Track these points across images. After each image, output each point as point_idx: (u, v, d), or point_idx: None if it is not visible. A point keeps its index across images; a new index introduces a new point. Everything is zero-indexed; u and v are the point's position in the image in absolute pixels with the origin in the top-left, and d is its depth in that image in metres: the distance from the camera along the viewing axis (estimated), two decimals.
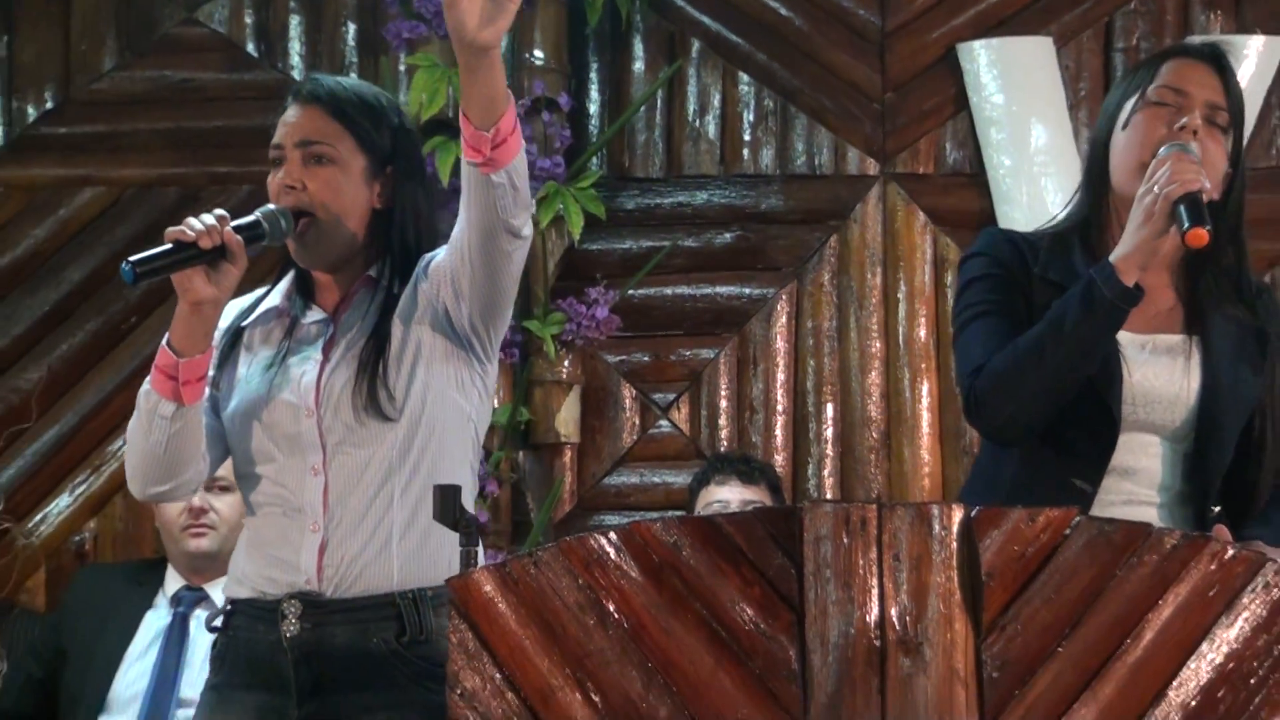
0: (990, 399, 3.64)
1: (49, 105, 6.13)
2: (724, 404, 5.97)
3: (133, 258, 3.42)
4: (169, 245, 3.46)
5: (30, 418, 5.90)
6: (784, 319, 5.97)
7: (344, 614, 3.61)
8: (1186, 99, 3.63)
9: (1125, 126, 3.67)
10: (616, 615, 3.24)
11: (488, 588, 3.30)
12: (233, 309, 3.73)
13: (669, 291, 5.99)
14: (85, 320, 6.04)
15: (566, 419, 5.87)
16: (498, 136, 3.41)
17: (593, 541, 3.27)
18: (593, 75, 6.06)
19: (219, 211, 3.49)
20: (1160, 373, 3.66)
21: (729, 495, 5.19)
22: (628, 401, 5.99)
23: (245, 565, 3.69)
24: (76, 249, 6.05)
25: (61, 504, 6.01)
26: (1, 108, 6.13)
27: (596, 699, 3.23)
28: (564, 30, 5.88)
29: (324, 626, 3.60)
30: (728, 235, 5.99)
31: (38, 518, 5.97)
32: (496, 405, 5.65)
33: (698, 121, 6.05)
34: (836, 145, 5.99)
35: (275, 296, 3.73)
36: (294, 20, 6.10)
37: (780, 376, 5.96)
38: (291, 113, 3.66)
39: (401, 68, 5.85)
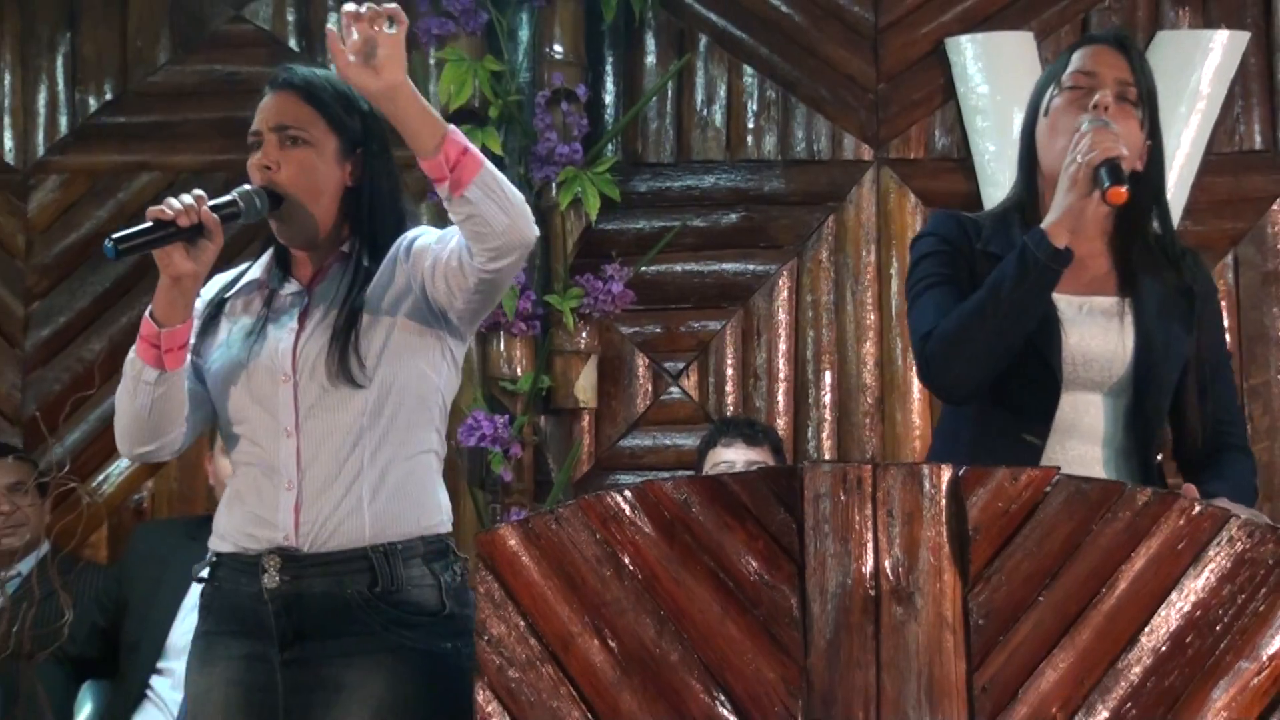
0: (940, 360, 3.65)
1: (109, 97, 6.14)
2: (730, 372, 5.98)
3: (115, 235, 3.42)
4: (150, 223, 3.44)
5: (94, 385, 5.88)
6: (785, 293, 5.98)
7: (320, 567, 3.60)
8: (1097, 80, 3.67)
9: (1047, 113, 3.72)
10: (631, 567, 3.26)
11: (512, 542, 3.33)
12: (216, 282, 3.74)
13: (679, 268, 5.99)
14: (143, 295, 6.00)
15: (584, 386, 5.87)
16: (449, 159, 3.38)
17: (609, 499, 3.29)
18: (608, 68, 6.06)
19: (197, 192, 3.49)
20: (1097, 334, 3.68)
21: (734, 456, 5.18)
22: (641, 370, 6.00)
23: (226, 521, 3.69)
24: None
25: (121, 465, 6.05)
26: (66, 99, 6.14)
27: (613, 644, 3.26)
28: (581, 27, 5.87)
29: (302, 579, 3.59)
30: (733, 216, 6.00)
31: (100, 478, 6.03)
32: (520, 373, 5.68)
33: (705, 111, 6.05)
34: (833, 132, 5.99)
35: (256, 270, 3.73)
36: (331, 18, 6.07)
37: (782, 346, 5.97)
38: (268, 99, 3.64)
39: (431, 61, 5.83)
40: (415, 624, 3.61)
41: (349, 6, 3.29)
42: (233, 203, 3.51)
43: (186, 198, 3.46)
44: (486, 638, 3.33)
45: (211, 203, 3.48)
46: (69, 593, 4.35)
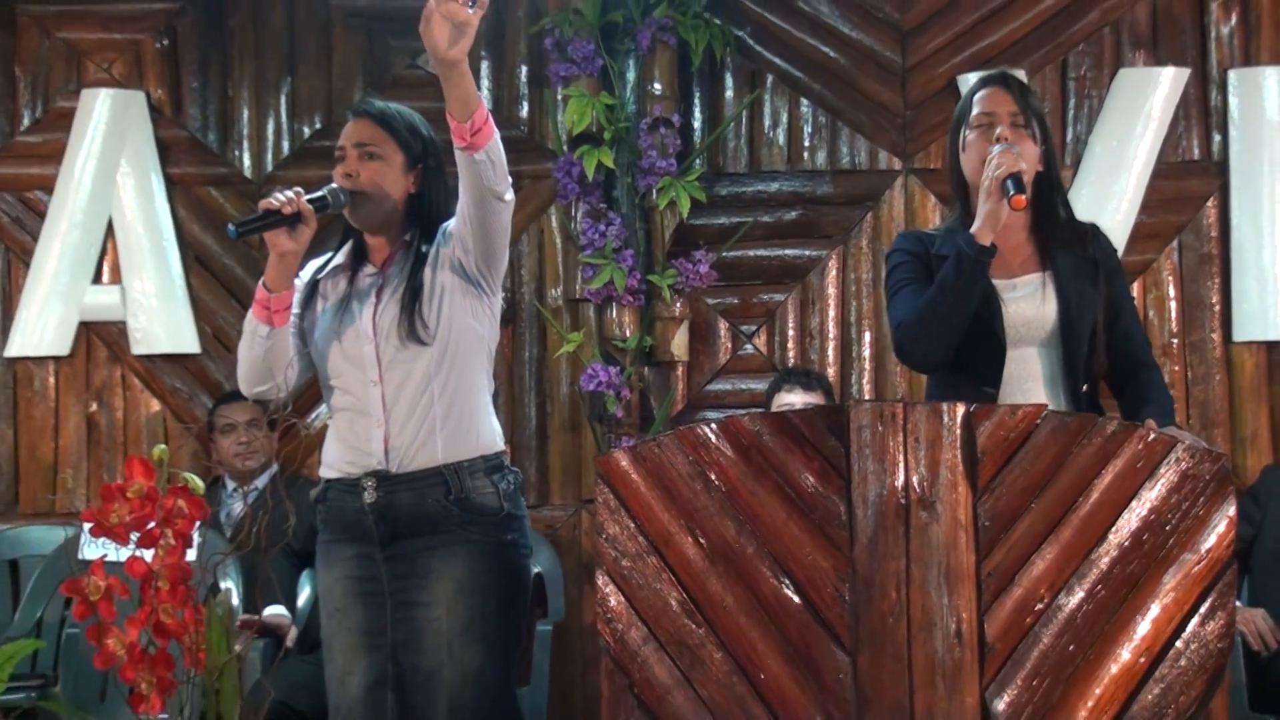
0: (910, 341, 3.76)
1: (318, 126, 6.14)
2: (791, 332, 5.96)
3: (236, 220, 3.58)
4: (262, 212, 3.57)
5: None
6: (834, 272, 5.96)
7: (406, 484, 3.68)
8: (994, 116, 3.77)
9: (964, 149, 3.82)
10: (716, 482, 3.28)
11: (624, 463, 3.35)
12: (310, 267, 3.85)
13: (751, 254, 5.97)
14: None
15: (679, 344, 5.85)
16: (473, 126, 3.48)
17: (699, 430, 3.32)
18: (695, 100, 6.02)
19: (296, 188, 3.61)
20: (1027, 303, 3.77)
21: (795, 399, 5.16)
22: (722, 331, 5.99)
23: (331, 454, 3.78)
24: (341, 225, 6.06)
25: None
26: (287, 128, 6.16)
27: (702, 541, 3.28)
28: (675, 68, 5.83)
29: (393, 494, 3.67)
30: (793, 213, 5.98)
31: (313, 415, 6.03)
32: (628, 334, 5.68)
33: (771, 132, 6.02)
34: (871, 149, 5.97)
35: (339, 257, 3.83)
36: (484, 65, 6.07)
37: (831, 313, 5.94)
38: (352, 124, 3.76)
39: (560, 96, 5.80)
40: (481, 522, 3.69)
41: None
42: (323, 197, 3.65)
43: (289, 192, 3.58)
44: (604, 535, 3.36)
45: (307, 196, 3.61)
46: (292, 501, 4.37)
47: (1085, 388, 3.77)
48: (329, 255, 3.87)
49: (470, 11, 3.39)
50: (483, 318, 3.76)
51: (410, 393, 3.67)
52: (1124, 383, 3.84)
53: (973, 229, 3.64)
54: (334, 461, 3.76)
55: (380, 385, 3.67)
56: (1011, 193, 3.58)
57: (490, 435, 3.77)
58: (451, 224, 3.73)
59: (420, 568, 3.66)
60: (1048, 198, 3.82)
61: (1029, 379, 3.75)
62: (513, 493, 3.76)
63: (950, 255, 3.67)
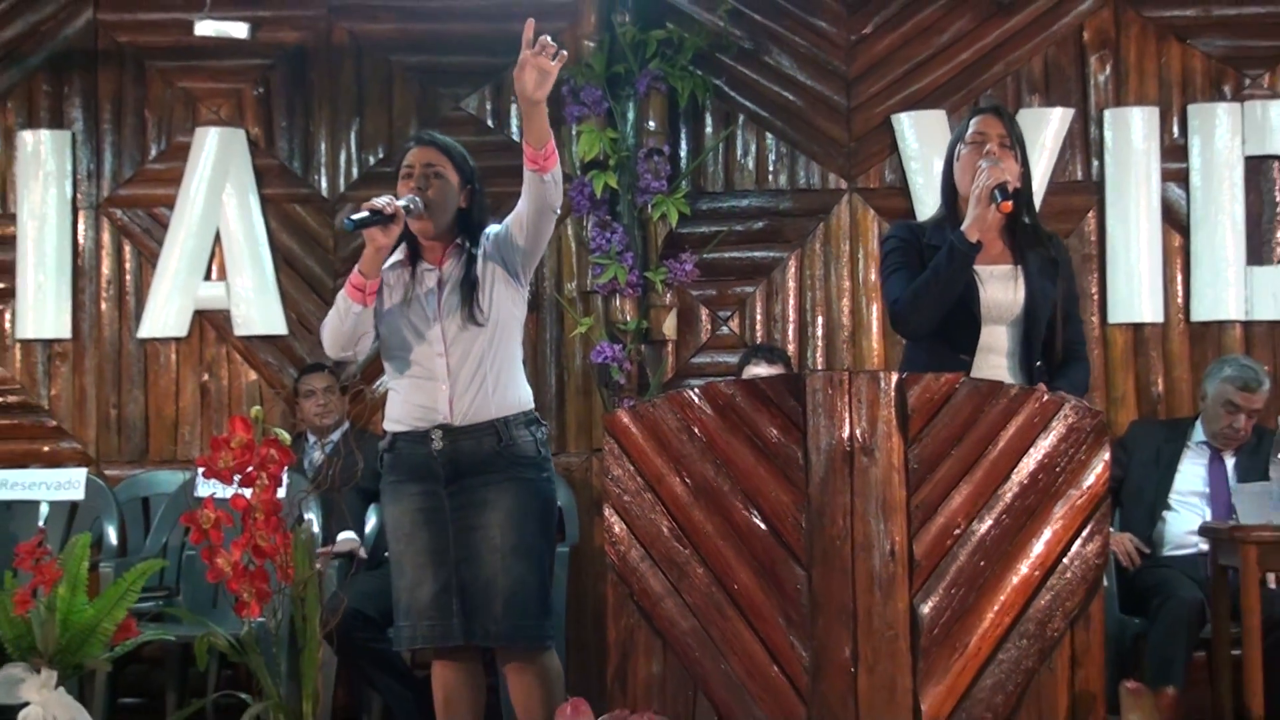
0: (905, 315, 3.71)
1: (380, 155, 6.08)
2: (759, 317, 5.91)
3: (351, 218, 3.57)
4: (367, 213, 3.56)
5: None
6: (793, 270, 5.90)
7: (466, 433, 3.67)
8: (986, 136, 3.74)
9: (958, 159, 3.78)
10: (698, 434, 3.27)
11: (626, 420, 3.35)
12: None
13: (726, 255, 5.90)
14: None
15: (669, 326, 5.81)
16: (545, 153, 3.57)
17: (685, 394, 3.31)
18: (682, 134, 5.95)
19: (388, 196, 3.62)
20: (1000, 289, 3.72)
21: (761, 370, 5.13)
22: (703, 316, 5.93)
23: (399, 412, 3.75)
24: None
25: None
26: (356, 158, 6.11)
27: (688, 480, 3.27)
28: (665, 109, 5.79)
29: (456, 442, 3.66)
30: (760, 223, 5.92)
31: (377, 383, 5.86)
32: (629, 319, 5.67)
33: (742, 159, 5.97)
34: (822, 172, 5.90)
35: (397, 255, 3.78)
36: (513, 107, 6.02)
37: (791, 301, 5.89)
38: (419, 149, 3.76)
39: (574, 131, 5.75)
40: (523, 464, 3.69)
41: (546, 39, 3.48)
42: (407, 205, 3.64)
43: (386, 198, 3.59)
44: (610, 476, 3.35)
45: (397, 202, 3.61)
46: (360, 451, 4.38)
47: (1039, 364, 3.74)
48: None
49: (552, 63, 3.50)
50: (519, 304, 3.78)
51: (469, 363, 3.67)
52: (1058, 366, 3.80)
53: (963, 227, 3.62)
54: (402, 418, 3.73)
55: (445, 357, 3.66)
56: (999, 200, 3.57)
57: (526, 395, 3.79)
58: (495, 229, 3.77)
59: (477, 500, 3.64)
60: (1022, 205, 3.80)
61: (995, 351, 3.72)
62: (544, 441, 3.77)
63: (943, 247, 3.64)
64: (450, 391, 3.66)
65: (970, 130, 3.76)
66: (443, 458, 3.66)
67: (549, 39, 3.51)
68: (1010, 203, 3.56)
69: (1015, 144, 3.74)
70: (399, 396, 3.75)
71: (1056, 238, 3.89)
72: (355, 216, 3.56)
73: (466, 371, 3.67)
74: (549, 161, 3.58)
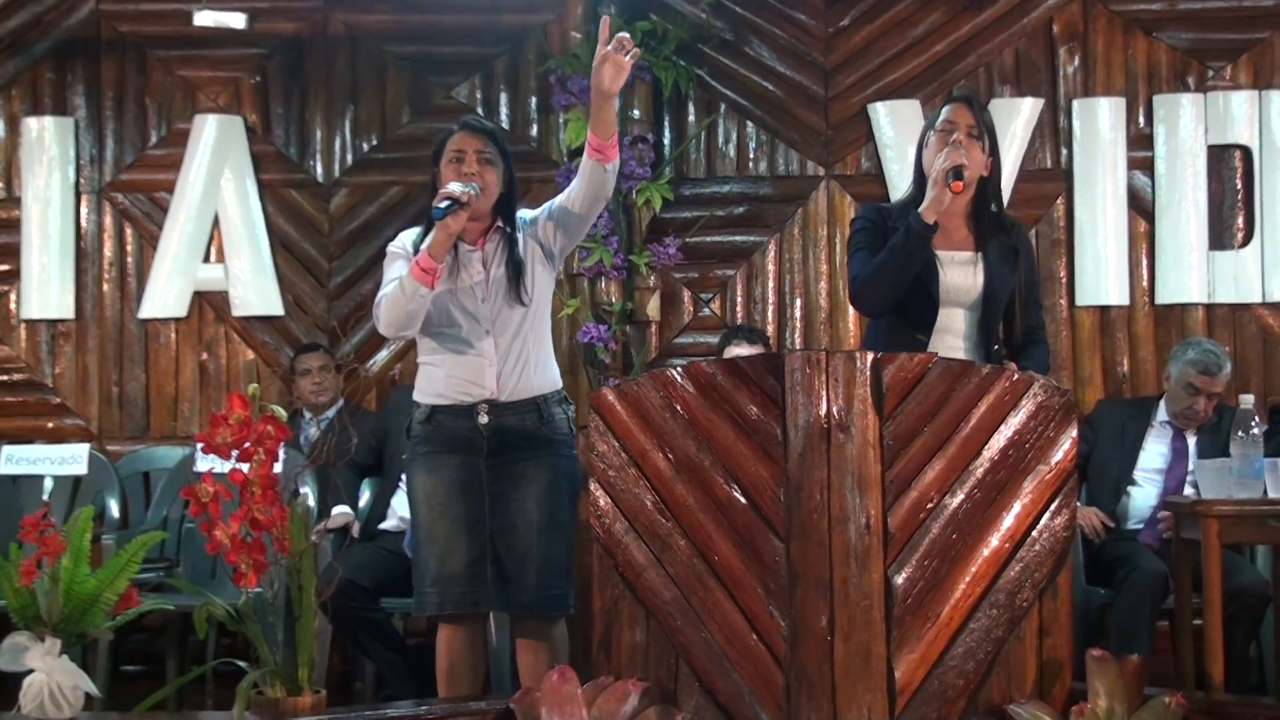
0: (861, 292, 3.71)
1: (374, 142, 6.08)
2: (739, 299, 5.92)
3: (438, 206, 3.52)
4: (448, 201, 3.52)
5: (368, 309, 5.91)
6: (772, 253, 5.91)
7: (510, 409, 3.65)
8: (955, 125, 3.71)
9: (927, 145, 3.76)
10: (681, 411, 3.26)
11: (611, 397, 3.33)
12: (407, 239, 3.77)
13: (708, 239, 5.91)
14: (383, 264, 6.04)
15: (652, 308, 5.81)
16: (610, 144, 3.57)
17: (668, 372, 3.29)
18: (666, 122, 5.96)
19: (457, 184, 3.58)
20: (960, 274, 3.71)
21: (742, 350, 5.12)
22: (686, 298, 5.94)
23: (441, 386, 3.69)
24: (389, 219, 6.03)
25: (383, 355, 6.03)
26: (350, 144, 6.10)
27: (670, 456, 3.26)
28: (650, 98, 5.79)
29: (500, 417, 3.64)
30: (741, 209, 5.93)
31: (371, 362, 6.01)
32: (614, 300, 5.66)
33: (724, 147, 5.98)
34: (801, 160, 5.92)
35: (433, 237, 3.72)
36: (503, 96, 6.05)
37: (770, 284, 5.90)
38: (468, 134, 3.71)
39: (561, 120, 5.77)
40: (558, 442, 3.67)
41: (623, 36, 3.53)
42: (468, 191, 3.58)
43: (459, 186, 3.56)
44: (595, 452, 3.34)
45: (467, 189, 3.58)
46: (355, 428, 4.36)
47: (997, 347, 3.74)
48: (418, 234, 3.77)
49: (626, 59, 3.52)
50: (552, 285, 3.81)
51: (516, 341, 3.66)
52: (1020, 349, 3.80)
53: (921, 208, 3.61)
54: (445, 391, 3.68)
55: (492, 334, 3.65)
56: (951, 180, 3.57)
57: (557, 374, 3.80)
58: (532, 213, 3.76)
59: (516, 473, 3.64)
60: (989, 196, 3.79)
61: (951, 333, 3.71)
62: (573, 419, 3.78)
63: (901, 228, 3.64)
64: (498, 369, 3.64)
65: (940, 119, 3.75)
66: (488, 432, 3.64)
67: (626, 36, 3.53)
68: (960, 183, 3.57)
69: (984, 133, 3.73)
70: (440, 371, 3.70)
71: (1019, 226, 3.88)
72: (441, 205, 3.53)
73: (513, 350, 3.66)
74: (612, 152, 3.59)
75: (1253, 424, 3.87)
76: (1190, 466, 4.81)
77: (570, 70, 5.70)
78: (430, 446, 3.69)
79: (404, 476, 3.91)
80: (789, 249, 5.89)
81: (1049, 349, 3.90)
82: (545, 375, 3.72)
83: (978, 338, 3.72)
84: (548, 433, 3.67)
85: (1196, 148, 5.73)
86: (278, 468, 3.22)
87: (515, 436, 3.65)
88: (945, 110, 3.76)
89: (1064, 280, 5.77)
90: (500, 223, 3.71)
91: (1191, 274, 5.72)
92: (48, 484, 5.19)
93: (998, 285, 3.71)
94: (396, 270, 3.67)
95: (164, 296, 6.03)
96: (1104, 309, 5.77)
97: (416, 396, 3.75)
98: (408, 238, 3.77)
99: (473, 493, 3.65)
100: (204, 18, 5.87)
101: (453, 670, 3.70)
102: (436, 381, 3.71)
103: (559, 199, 3.74)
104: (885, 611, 3.07)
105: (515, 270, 3.65)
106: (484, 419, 3.64)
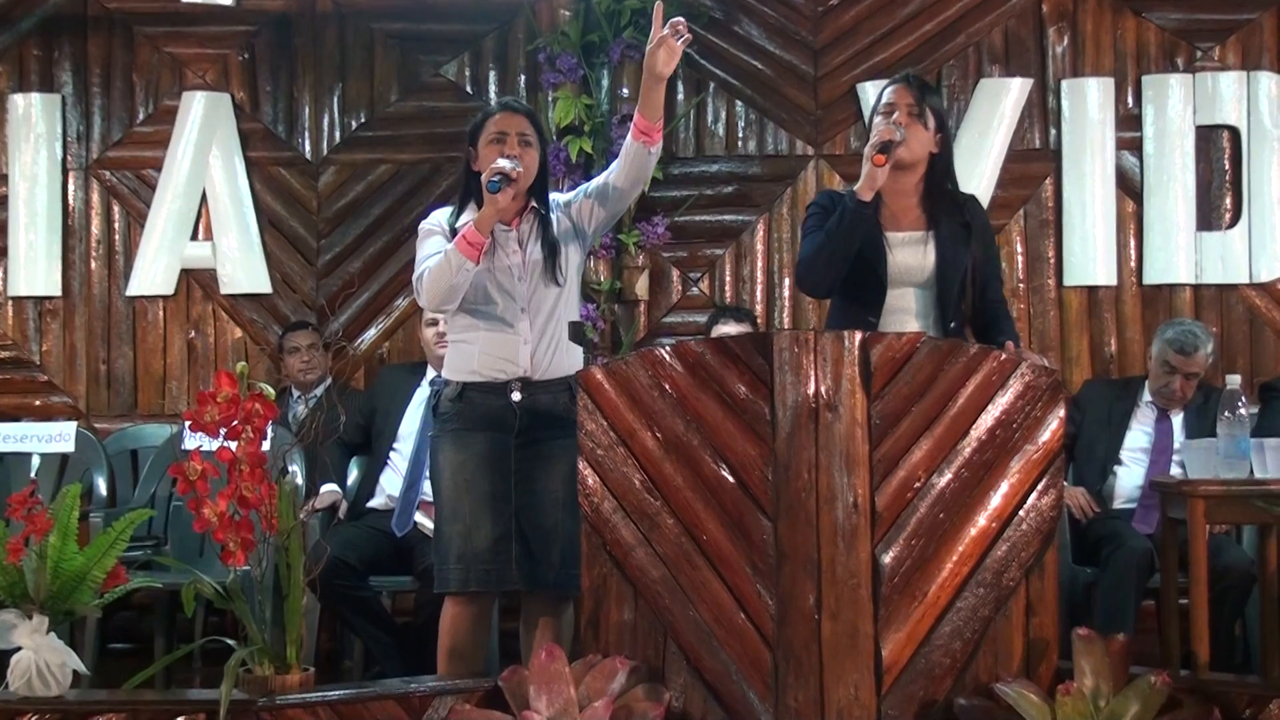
0: (803, 274, 3.74)
1: (362, 120, 6.05)
2: (728, 278, 5.91)
3: (493, 180, 3.52)
4: (499, 176, 3.53)
5: (355, 286, 5.92)
6: (761, 233, 5.90)
7: (543, 388, 3.66)
8: (894, 106, 3.71)
9: (871, 128, 3.76)
10: (669, 390, 3.25)
11: (600, 376, 3.33)
12: (441, 217, 3.77)
13: (697, 219, 5.90)
14: (381, 235, 6.03)
15: (641, 287, 5.80)
16: (658, 128, 3.62)
17: (657, 351, 3.29)
18: None
19: (506, 160, 3.58)
20: (910, 254, 3.72)
21: (730, 329, 5.12)
22: (675, 277, 5.93)
23: (474, 364, 3.67)
24: (378, 197, 6.03)
25: (371, 333, 6.01)
26: (339, 121, 6.07)
27: (659, 435, 3.26)
28: (639, 76, 5.66)
29: (534, 395, 3.64)
30: (729, 188, 5.92)
31: (359, 340, 5.99)
32: (602, 279, 5.66)
33: (713, 126, 5.96)
34: (790, 139, 5.90)
35: (467, 214, 3.73)
36: (492, 74, 6.03)
37: (759, 264, 5.89)
38: (509, 115, 3.71)
39: (550, 98, 5.74)
40: None
41: (679, 21, 3.55)
42: (519, 169, 3.60)
43: (508, 162, 3.56)
44: (584, 431, 3.34)
45: (514, 166, 3.58)
46: (343, 406, 4.36)
47: (954, 324, 3.73)
48: (451, 213, 3.78)
49: (679, 44, 3.54)
50: (581, 264, 3.83)
51: (551, 320, 3.68)
52: (983, 321, 3.79)
53: (856, 186, 3.62)
54: (480, 368, 3.68)
55: (528, 313, 3.65)
56: (875, 154, 3.58)
57: (581, 354, 3.81)
58: (575, 198, 3.78)
59: (545, 452, 3.63)
60: (940, 174, 3.78)
61: (904, 312, 3.70)
62: None
63: (838, 208, 3.65)
64: (533, 348, 3.64)
65: (882, 101, 3.76)
66: (520, 409, 3.64)
67: (681, 20, 3.56)
68: (883, 156, 3.57)
69: (926, 112, 3.73)
70: (473, 349, 3.69)
71: (974, 201, 3.86)
72: (495, 180, 3.53)
73: (548, 330, 3.67)
74: (658, 135, 3.63)
75: (1239, 404, 3.87)
76: (1177, 446, 4.82)
77: (559, 48, 5.68)
78: (460, 423, 3.68)
79: (402, 451, 3.87)
80: (778, 228, 5.89)
81: (1013, 320, 3.91)
82: (574, 355, 3.74)
83: (935, 315, 3.71)
84: (575, 410, 3.62)
85: (1185, 128, 5.73)
86: (265, 446, 3.22)
87: (546, 416, 3.65)
88: (886, 92, 3.77)
89: (1052, 260, 5.78)
90: (534, 203, 3.72)
91: (1179, 254, 5.72)
92: (35, 461, 5.18)
93: (950, 264, 3.70)
94: (432, 246, 3.68)
95: (152, 274, 6.01)
96: (1092, 289, 5.77)
97: (446, 374, 3.74)
98: (441, 216, 3.78)
99: (500, 470, 3.64)
100: None
101: (455, 649, 3.67)
102: (470, 359, 3.69)
103: (597, 180, 3.76)
104: (872, 590, 3.07)
105: (551, 251, 3.67)
106: (517, 396, 3.64)
